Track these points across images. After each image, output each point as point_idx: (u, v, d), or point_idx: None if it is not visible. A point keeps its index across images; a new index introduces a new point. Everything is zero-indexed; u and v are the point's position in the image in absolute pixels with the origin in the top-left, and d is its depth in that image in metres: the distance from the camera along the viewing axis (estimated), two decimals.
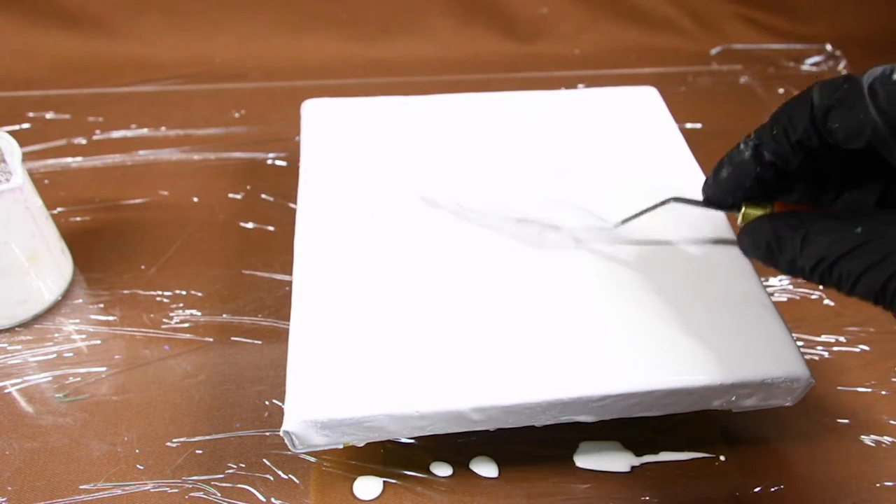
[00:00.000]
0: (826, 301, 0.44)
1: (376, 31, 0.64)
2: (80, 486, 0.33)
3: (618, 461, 0.36)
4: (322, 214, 0.37)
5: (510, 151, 0.41)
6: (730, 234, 0.37)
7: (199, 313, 0.41)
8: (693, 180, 0.40)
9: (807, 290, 0.44)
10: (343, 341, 0.31)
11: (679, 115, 0.45)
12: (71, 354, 0.39)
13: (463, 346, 0.31)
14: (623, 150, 0.42)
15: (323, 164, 0.40)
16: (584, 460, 0.36)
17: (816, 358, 0.41)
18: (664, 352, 0.32)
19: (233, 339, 0.40)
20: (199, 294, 0.42)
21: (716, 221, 0.38)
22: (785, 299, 0.44)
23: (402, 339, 0.31)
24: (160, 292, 0.42)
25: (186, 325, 0.40)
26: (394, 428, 0.30)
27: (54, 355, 0.39)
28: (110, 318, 0.41)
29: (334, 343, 0.31)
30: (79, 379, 0.38)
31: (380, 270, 0.34)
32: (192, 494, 0.33)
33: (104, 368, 0.38)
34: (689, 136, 0.43)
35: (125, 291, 0.42)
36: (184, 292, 0.42)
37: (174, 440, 0.35)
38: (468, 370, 0.30)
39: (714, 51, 0.66)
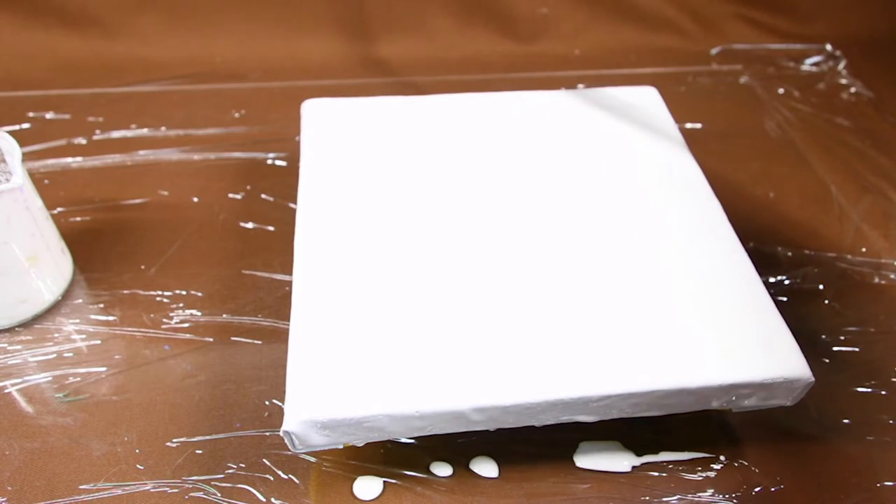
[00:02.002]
0: (826, 301, 0.44)
1: (376, 31, 0.64)
2: (80, 486, 0.33)
3: (618, 461, 0.36)
4: (322, 214, 0.37)
5: (510, 151, 0.41)
6: (730, 231, 0.37)
7: (199, 313, 0.41)
8: (693, 181, 0.40)
9: (807, 290, 0.44)
10: (343, 341, 0.31)
11: (679, 115, 0.45)
12: (71, 354, 0.39)
13: (463, 346, 0.31)
14: (623, 149, 0.42)
15: (323, 164, 0.40)
16: (584, 460, 0.36)
17: (817, 358, 0.41)
18: (664, 352, 0.32)
19: (233, 339, 0.40)
20: (199, 294, 0.42)
21: (716, 219, 0.38)
22: (785, 299, 0.44)
23: (402, 340, 0.31)
24: (160, 292, 0.42)
25: (186, 325, 0.40)
26: (394, 428, 0.30)
27: (54, 355, 0.39)
28: (110, 318, 0.41)
29: (334, 343, 0.31)
30: (79, 379, 0.38)
31: (379, 271, 0.34)
32: (192, 494, 0.33)
33: (104, 368, 0.38)
34: (689, 136, 0.43)
35: (125, 291, 0.42)
36: (184, 292, 0.42)
37: (174, 440, 0.35)
38: (468, 370, 0.31)
39: (714, 51, 0.66)
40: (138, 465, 0.34)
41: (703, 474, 0.35)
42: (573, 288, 0.34)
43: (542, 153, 0.41)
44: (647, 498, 0.34)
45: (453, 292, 0.33)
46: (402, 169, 0.40)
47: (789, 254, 0.47)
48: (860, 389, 0.39)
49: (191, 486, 0.34)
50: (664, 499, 0.34)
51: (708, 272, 0.35)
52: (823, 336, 0.42)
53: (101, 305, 0.41)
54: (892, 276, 0.46)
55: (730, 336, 0.32)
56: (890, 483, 0.35)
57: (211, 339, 0.40)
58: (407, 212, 0.37)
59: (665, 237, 0.37)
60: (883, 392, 0.39)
